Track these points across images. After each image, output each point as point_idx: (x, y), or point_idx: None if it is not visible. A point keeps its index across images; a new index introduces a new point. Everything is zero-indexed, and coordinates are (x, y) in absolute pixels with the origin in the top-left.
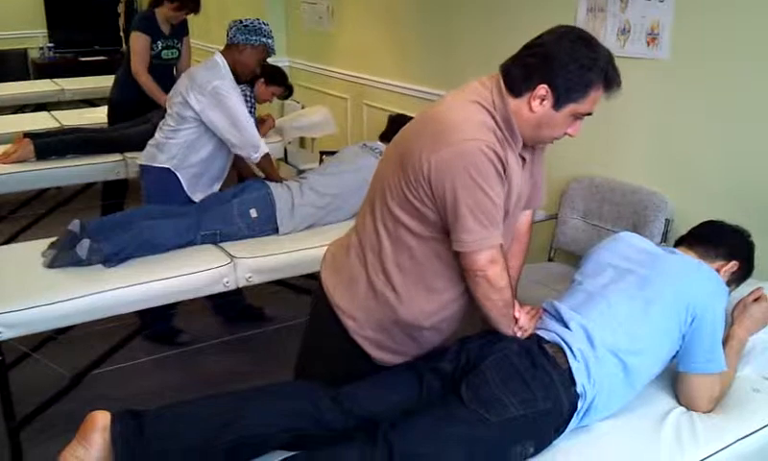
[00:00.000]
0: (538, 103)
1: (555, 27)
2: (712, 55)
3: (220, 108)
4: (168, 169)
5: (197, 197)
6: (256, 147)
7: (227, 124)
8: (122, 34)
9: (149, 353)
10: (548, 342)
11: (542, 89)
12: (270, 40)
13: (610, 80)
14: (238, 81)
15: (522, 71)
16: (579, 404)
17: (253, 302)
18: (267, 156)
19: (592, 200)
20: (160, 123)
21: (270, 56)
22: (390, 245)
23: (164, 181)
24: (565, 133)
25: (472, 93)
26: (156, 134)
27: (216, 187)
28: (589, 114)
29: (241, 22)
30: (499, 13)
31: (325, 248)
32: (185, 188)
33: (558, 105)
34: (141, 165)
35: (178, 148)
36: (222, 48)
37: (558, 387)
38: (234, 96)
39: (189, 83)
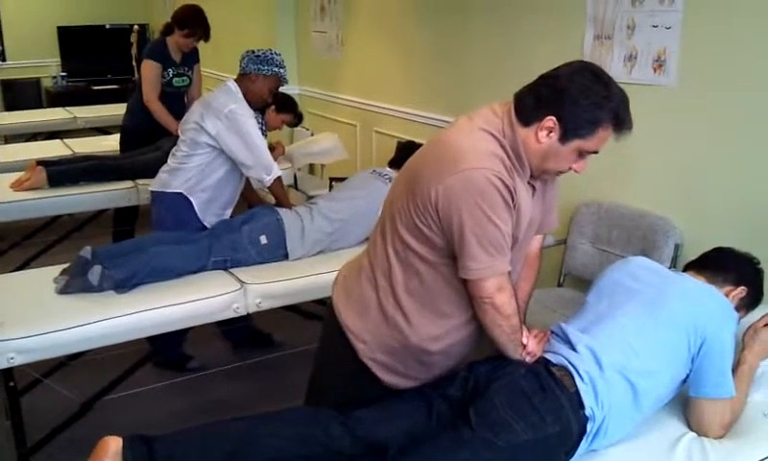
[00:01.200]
0: (545, 134)
1: (573, 61)
2: (719, 81)
3: (235, 130)
4: (181, 194)
5: (209, 221)
6: (269, 169)
7: (241, 146)
8: (134, 63)
9: (159, 379)
10: (555, 365)
11: (550, 121)
12: (282, 70)
13: (620, 121)
14: (253, 108)
15: (533, 101)
16: (588, 427)
17: (263, 327)
18: (279, 180)
19: (601, 225)
20: (173, 150)
21: (282, 85)
22: (400, 269)
23: (177, 207)
24: (571, 168)
25: (482, 121)
26: (169, 161)
27: (228, 213)
28: (596, 153)
29: (253, 52)
30: (507, 41)
31: (335, 273)
32: (198, 213)
33: (564, 139)
34: (153, 192)
35: (191, 172)
36: (234, 77)
37: (567, 410)
38: (249, 119)
39: (204, 109)
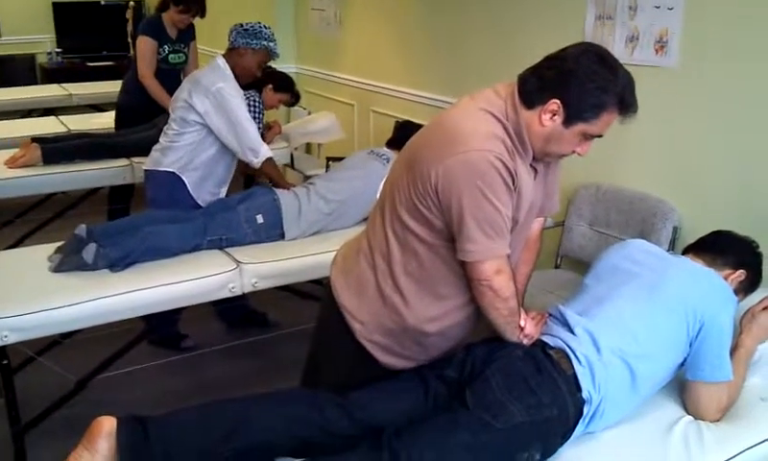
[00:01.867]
0: (548, 117)
1: (579, 43)
2: (721, 63)
3: (222, 109)
4: (173, 173)
5: (203, 200)
6: (256, 152)
7: (227, 126)
8: (130, 39)
9: (154, 358)
10: (553, 348)
11: (554, 104)
12: (271, 44)
13: (625, 105)
14: (240, 85)
15: (538, 83)
16: (585, 410)
17: (259, 307)
18: (271, 161)
19: (600, 207)
20: (165, 128)
21: (272, 59)
22: (398, 250)
23: (170, 186)
24: (574, 152)
25: (485, 102)
26: (161, 139)
27: (223, 191)
28: (600, 136)
29: (242, 26)
30: (507, 21)
31: (331, 254)
32: (191, 191)
33: (568, 122)
34: (146, 170)
35: (183, 151)
36: (224, 52)
37: (563, 393)
38: (237, 99)
39: (192, 86)
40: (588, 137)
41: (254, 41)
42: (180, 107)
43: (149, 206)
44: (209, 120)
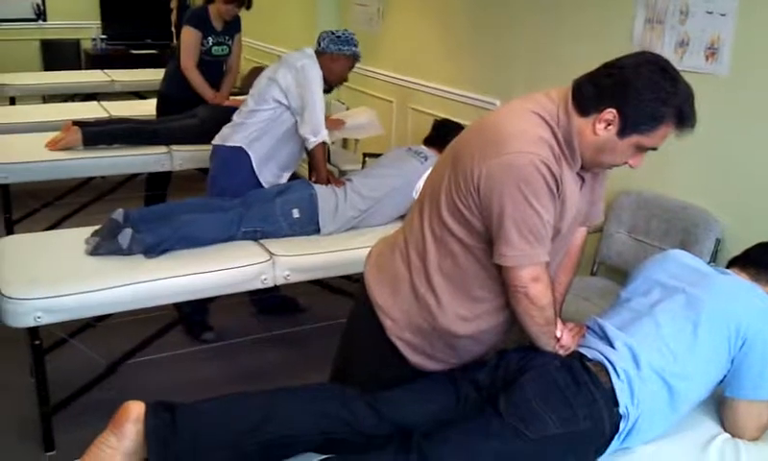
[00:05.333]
0: (603, 127)
1: (639, 51)
2: None
3: (301, 83)
4: (240, 147)
5: (265, 179)
6: (317, 130)
7: (301, 100)
8: (173, 28)
9: (184, 346)
10: (591, 360)
11: (610, 114)
12: (358, 49)
13: (683, 119)
14: (330, 86)
15: (594, 90)
16: (621, 425)
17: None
18: (323, 146)
19: (640, 215)
20: (240, 106)
21: (357, 63)
22: (434, 249)
23: (233, 161)
24: (626, 163)
25: (535, 104)
26: (234, 117)
27: (285, 176)
28: (654, 149)
29: (333, 33)
30: (554, 22)
31: (365, 250)
32: (255, 167)
33: (623, 133)
34: (213, 145)
35: (254, 127)
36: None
37: (600, 407)
38: (317, 80)
39: (279, 64)
40: (641, 149)
41: (346, 48)
42: (263, 84)
43: (210, 182)
44: (290, 94)
